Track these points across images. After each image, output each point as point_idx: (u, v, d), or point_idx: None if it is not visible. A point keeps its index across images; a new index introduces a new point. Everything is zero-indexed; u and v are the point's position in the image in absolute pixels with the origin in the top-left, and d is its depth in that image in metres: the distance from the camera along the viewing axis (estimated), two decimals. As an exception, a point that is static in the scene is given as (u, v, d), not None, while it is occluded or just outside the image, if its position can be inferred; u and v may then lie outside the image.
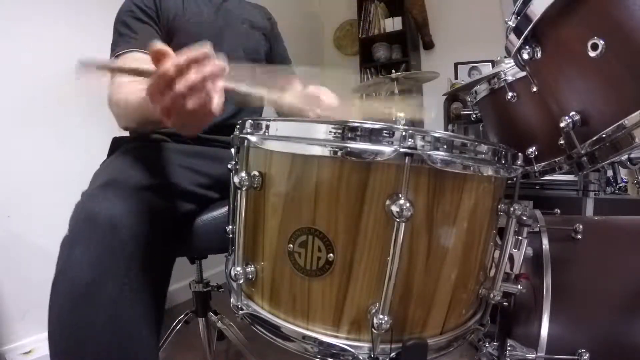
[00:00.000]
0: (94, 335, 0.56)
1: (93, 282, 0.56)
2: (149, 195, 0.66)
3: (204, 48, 0.47)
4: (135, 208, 0.62)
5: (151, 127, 0.85)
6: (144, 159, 0.77)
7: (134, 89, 0.69)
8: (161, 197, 0.69)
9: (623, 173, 1.25)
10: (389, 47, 2.96)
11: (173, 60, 0.45)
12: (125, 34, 0.86)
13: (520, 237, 0.60)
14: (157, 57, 0.46)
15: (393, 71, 1.78)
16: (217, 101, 0.49)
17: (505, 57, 0.75)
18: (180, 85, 0.45)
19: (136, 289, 0.60)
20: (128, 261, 0.59)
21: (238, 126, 0.58)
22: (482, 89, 0.85)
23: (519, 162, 0.56)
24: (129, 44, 0.84)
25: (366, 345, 0.49)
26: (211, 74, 0.47)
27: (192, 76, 0.46)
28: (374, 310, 0.47)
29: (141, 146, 0.84)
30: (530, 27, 0.49)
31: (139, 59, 0.83)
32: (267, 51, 1.13)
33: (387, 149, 0.44)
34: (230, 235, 0.61)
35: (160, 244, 0.66)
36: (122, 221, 0.60)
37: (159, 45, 0.46)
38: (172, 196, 0.73)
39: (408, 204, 0.43)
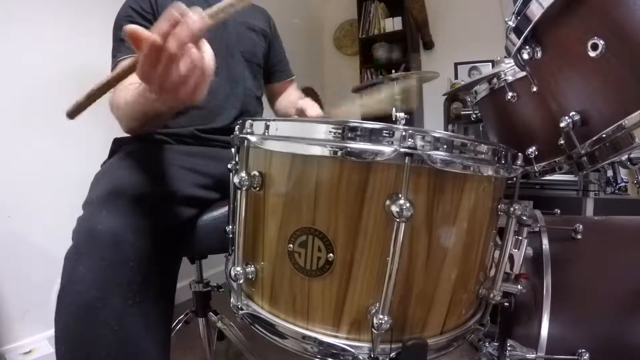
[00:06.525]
0: (100, 349, 0.57)
1: (97, 298, 0.57)
2: (150, 207, 0.66)
3: (178, 7, 0.45)
4: (137, 221, 0.62)
5: (153, 124, 0.82)
6: (145, 164, 0.76)
7: (132, 87, 0.68)
8: (162, 207, 0.69)
9: (623, 173, 1.25)
10: (389, 47, 2.96)
11: (157, 29, 0.44)
12: (124, 39, 0.86)
13: (520, 237, 0.60)
14: (135, 39, 0.44)
15: (393, 71, 1.78)
16: (208, 57, 0.47)
17: (505, 57, 0.75)
18: (172, 44, 0.43)
19: (141, 301, 0.60)
20: (132, 275, 0.60)
21: (238, 126, 0.58)
22: (482, 89, 0.85)
23: (519, 162, 0.56)
24: (129, 50, 0.83)
25: (366, 345, 0.49)
26: (199, 29, 0.45)
27: (181, 32, 0.44)
28: (374, 310, 0.47)
29: (141, 148, 0.84)
30: (530, 27, 0.49)
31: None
32: (265, 53, 1.13)
33: (387, 149, 0.44)
34: (230, 235, 0.61)
35: (163, 253, 0.66)
36: (124, 236, 0.60)
37: (131, 27, 0.44)
38: (173, 203, 0.73)
39: (408, 204, 0.43)
